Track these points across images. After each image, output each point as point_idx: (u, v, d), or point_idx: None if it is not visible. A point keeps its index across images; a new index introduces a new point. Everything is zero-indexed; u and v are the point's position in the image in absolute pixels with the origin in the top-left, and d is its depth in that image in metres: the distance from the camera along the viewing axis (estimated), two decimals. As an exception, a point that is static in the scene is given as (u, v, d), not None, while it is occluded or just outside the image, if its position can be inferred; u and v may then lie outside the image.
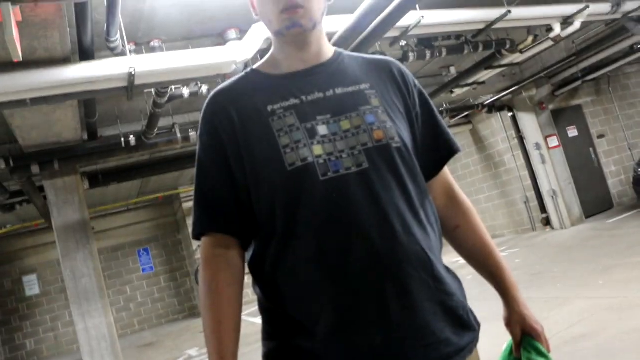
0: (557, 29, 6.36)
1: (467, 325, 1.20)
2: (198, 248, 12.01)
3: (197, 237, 1.23)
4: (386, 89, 1.26)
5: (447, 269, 1.22)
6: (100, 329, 6.33)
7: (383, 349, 1.09)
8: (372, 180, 1.13)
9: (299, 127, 1.15)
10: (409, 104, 1.28)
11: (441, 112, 9.59)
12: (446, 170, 1.35)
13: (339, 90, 1.21)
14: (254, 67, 1.31)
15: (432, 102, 1.35)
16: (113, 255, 13.38)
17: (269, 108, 1.18)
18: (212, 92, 1.26)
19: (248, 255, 1.24)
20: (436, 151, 1.32)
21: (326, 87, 1.22)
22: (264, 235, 1.17)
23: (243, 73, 1.30)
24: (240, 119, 1.19)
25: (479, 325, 1.24)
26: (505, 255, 8.96)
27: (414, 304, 1.11)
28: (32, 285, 12.62)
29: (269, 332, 1.20)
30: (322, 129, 1.16)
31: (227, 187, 1.18)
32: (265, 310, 1.21)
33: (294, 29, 1.19)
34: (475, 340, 1.21)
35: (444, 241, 1.28)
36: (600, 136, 11.13)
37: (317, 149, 1.13)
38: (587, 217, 10.24)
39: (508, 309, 1.31)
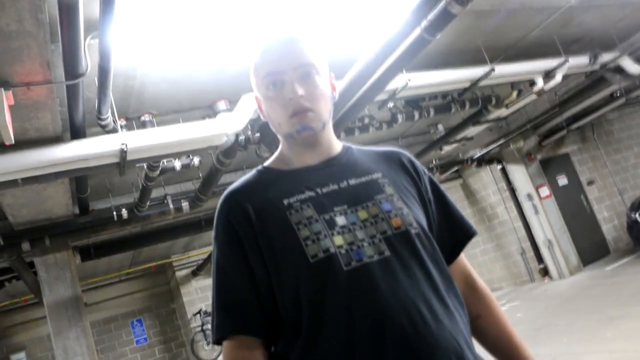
0: (539, 82, 6.51)
1: None
2: (193, 317, 11.73)
3: (218, 341, 1.18)
4: (398, 176, 1.27)
5: (475, 355, 1.18)
6: (94, 409, 6.07)
7: None
8: (395, 268, 1.11)
9: (317, 219, 1.15)
10: (421, 190, 1.28)
11: (431, 169, 9.65)
12: (463, 256, 1.34)
13: (352, 181, 1.22)
14: (265, 164, 1.31)
15: (443, 188, 1.36)
16: (105, 328, 13.01)
17: (285, 202, 1.18)
18: (226, 192, 1.25)
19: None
20: (452, 237, 1.31)
21: (339, 178, 1.22)
22: (289, 330, 1.13)
23: (254, 171, 1.30)
24: (256, 214, 1.17)
25: None
26: (505, 309, 8.82)
27: None
28: (21, 364, 12.18)
29: None
30: (341, 220, 1.15)
31: (247, 286, 1.15)
32: None
33: (305, 132, 1.20)
34: None
35: None
36: (590, 183, 11.23)
37: (338, 240, 1.12)
38: (585, 265, 10.16)
39: None
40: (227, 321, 1.17)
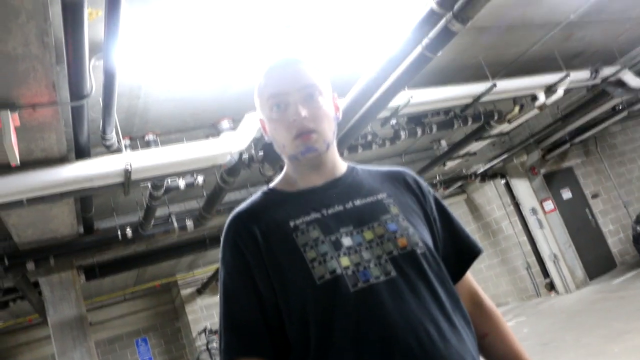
0: (541, 97, 6.52)
1: None
2: (198, 336, 11.68)
3: None
4: (403, 196, 1.27)
5: None
6: None
7: None
8: (401, 288, 1.11)
9: (323, 240, 1.15)
10: (426, 209, 1.29)
11: (435, 185, 9.65)
12: (469, 274, 1.34)
13: (357, 202, 1.22)
14: (270, 186, 1.32)
15: (448, 207, 1.36)
16: (110, 348, 12.95)
17: (292, 223, 1.18)
18: (232, 214, 1.26)
19: None
20: (458, 255, 1.31)
21: (345, 200, 1.22)
22: (297, 351, 1.13)
23: (260, 193, 1.31)
24: (263, 236, 1.18)
25: None
26: (511, 324, 8.76)
27: None
28: (25, 385, 12.12)
29: None
30: (347, 241, 1.16)
31: (255, 307, 1.16)
32: None
33: (309, 154, 1.21)
34: None
35: None
36: (595, 196, 11.20)
37: (344, 261, 1.13)
38: (591, 279, 10.10)
39: None
40: (235, 342, 1.16)
